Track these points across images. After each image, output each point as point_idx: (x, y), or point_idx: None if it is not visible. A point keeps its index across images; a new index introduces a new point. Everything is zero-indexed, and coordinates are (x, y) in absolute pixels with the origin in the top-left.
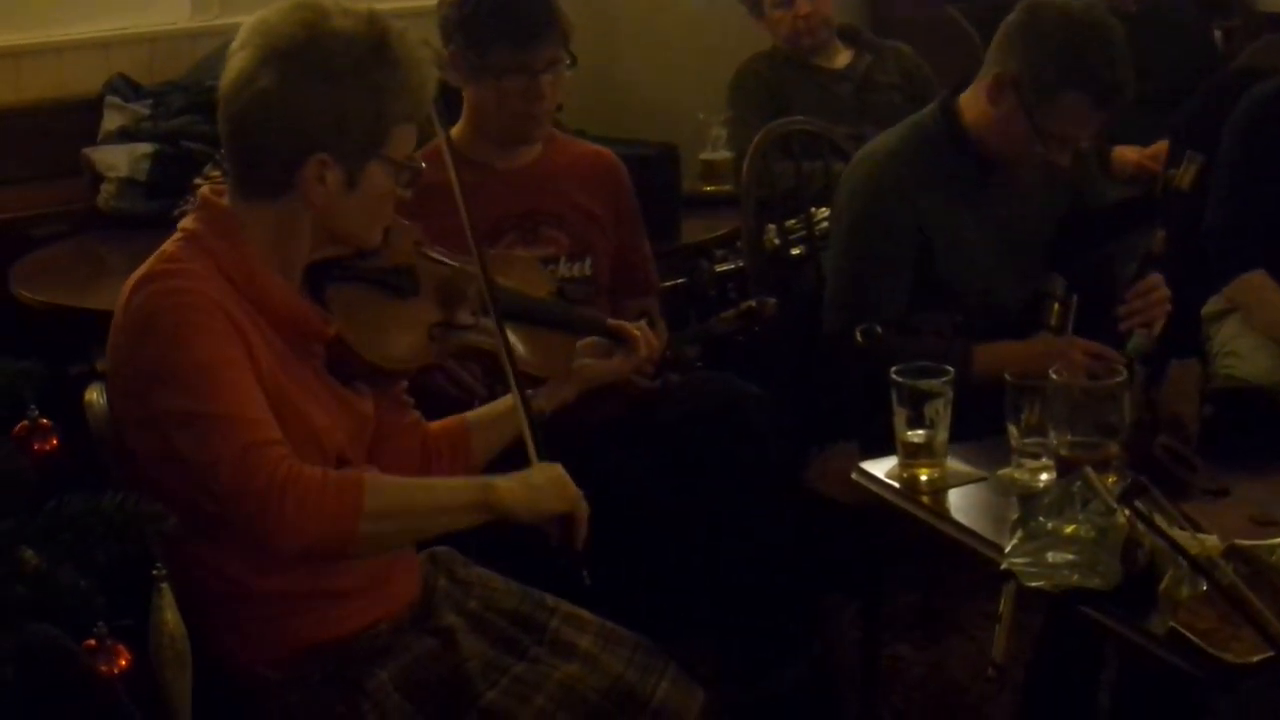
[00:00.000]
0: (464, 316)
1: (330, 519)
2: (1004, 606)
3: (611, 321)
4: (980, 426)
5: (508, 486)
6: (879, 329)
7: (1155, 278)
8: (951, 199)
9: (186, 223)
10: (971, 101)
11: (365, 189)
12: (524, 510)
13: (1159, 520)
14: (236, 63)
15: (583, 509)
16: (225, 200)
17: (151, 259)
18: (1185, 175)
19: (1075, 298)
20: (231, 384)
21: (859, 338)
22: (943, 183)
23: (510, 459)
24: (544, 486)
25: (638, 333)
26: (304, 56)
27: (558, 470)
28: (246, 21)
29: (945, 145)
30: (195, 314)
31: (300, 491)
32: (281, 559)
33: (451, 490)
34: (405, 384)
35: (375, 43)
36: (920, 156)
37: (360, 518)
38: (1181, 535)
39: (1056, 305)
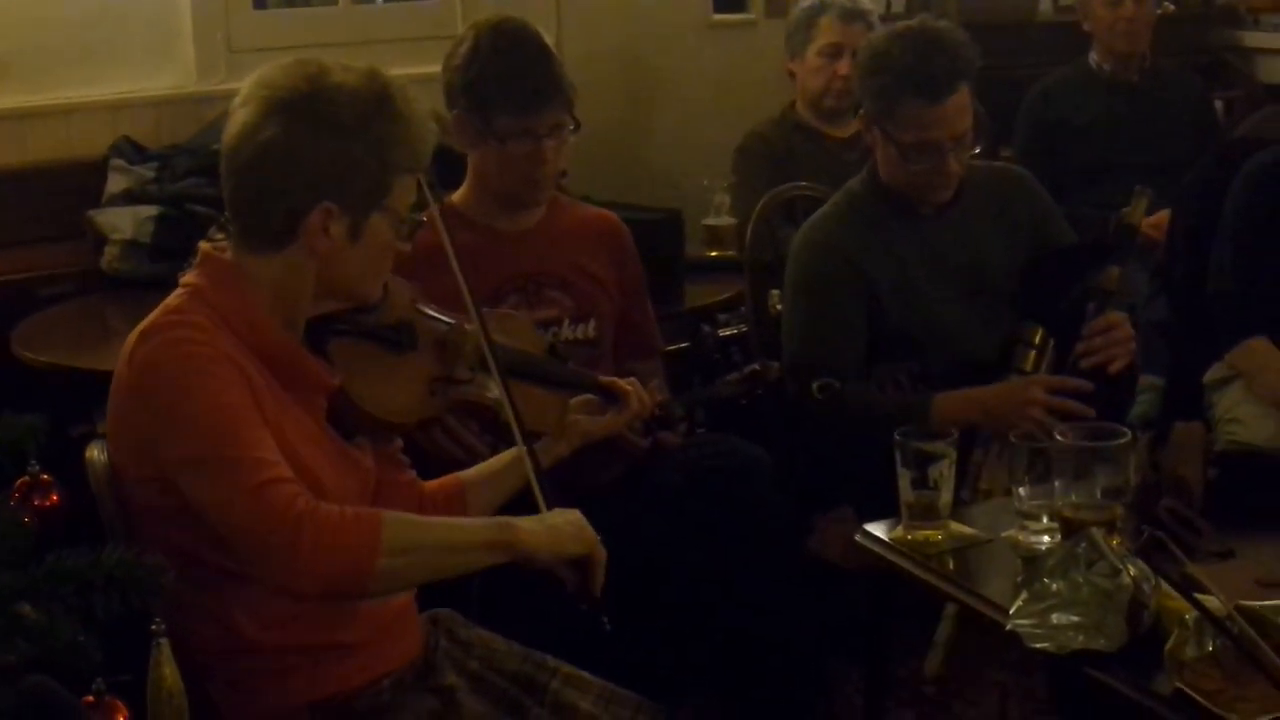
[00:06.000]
0: (462, 371)
1: (349, 554)
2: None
3: (603, 378)
4: None
5: (528, 527)
6: (836, 384)
7: (1117, 315)
8: (892, 250)
9: (189, 277)
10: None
11: (368, 240)
12: (544, 551)
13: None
14: (240, 117)
15: (601, 553)
16: (228, 255)
17: (154, 313)
18: (1135, 211)
19: (1052, 343)
20: (241, 427)
21: (815, 393)
22: (878, 235)
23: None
24: (563, 528)
25: (629, 388)
26: (308, 108)
27: (575, 514)
28: (248, 79)
29: (872, 200)
30: (201, 362)
31: (318, 527)
32: (298, 600)
33: (471, 529)
34: (400, 443)
35: (377, 96)
36: (850, 213)
37: (379, 553)
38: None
39: (1032, 352)
